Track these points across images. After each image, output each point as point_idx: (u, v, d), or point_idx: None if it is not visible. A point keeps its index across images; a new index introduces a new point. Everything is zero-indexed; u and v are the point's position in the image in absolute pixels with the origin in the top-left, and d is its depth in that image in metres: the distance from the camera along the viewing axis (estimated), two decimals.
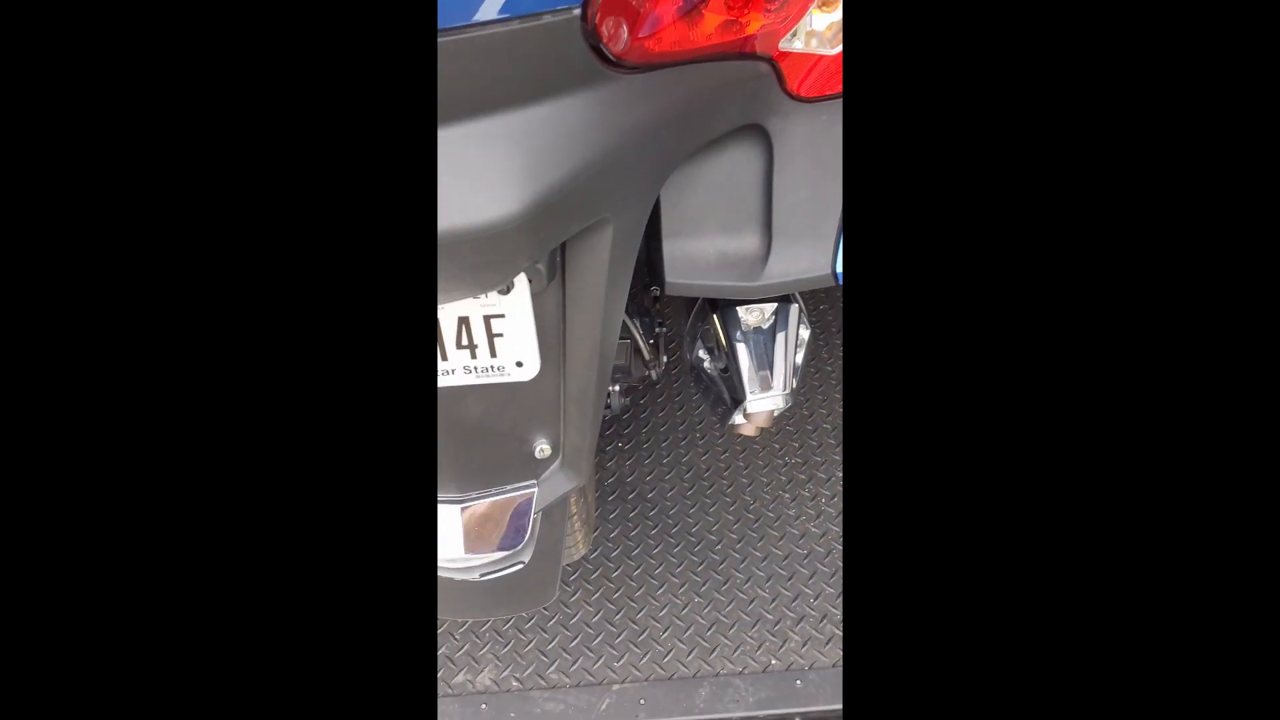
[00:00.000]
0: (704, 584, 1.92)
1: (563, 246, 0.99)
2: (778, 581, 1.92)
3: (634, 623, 1.85)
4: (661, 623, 1.85)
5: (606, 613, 1.87)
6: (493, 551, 1.22)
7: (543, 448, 1.18)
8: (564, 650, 1.81)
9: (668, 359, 2.00)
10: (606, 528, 2.03)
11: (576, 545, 1.76)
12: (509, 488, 1.22)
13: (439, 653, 1.81)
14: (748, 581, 1.92)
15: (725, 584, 1.92)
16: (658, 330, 1.79)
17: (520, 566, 1.31)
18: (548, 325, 1.04)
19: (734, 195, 1.20)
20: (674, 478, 2.13)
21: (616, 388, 1.87)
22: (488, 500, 1.21)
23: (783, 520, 2.03)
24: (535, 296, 1.01)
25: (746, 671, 1.77)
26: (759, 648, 1.81)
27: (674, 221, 1.20)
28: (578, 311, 1.04)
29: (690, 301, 1.69)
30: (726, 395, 1.54)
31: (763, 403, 1.41)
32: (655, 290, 1.90)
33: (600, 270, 1.00)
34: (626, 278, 1.09)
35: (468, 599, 1.37)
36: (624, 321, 1.74)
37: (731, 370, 1.45)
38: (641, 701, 1.73)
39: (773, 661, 1.78)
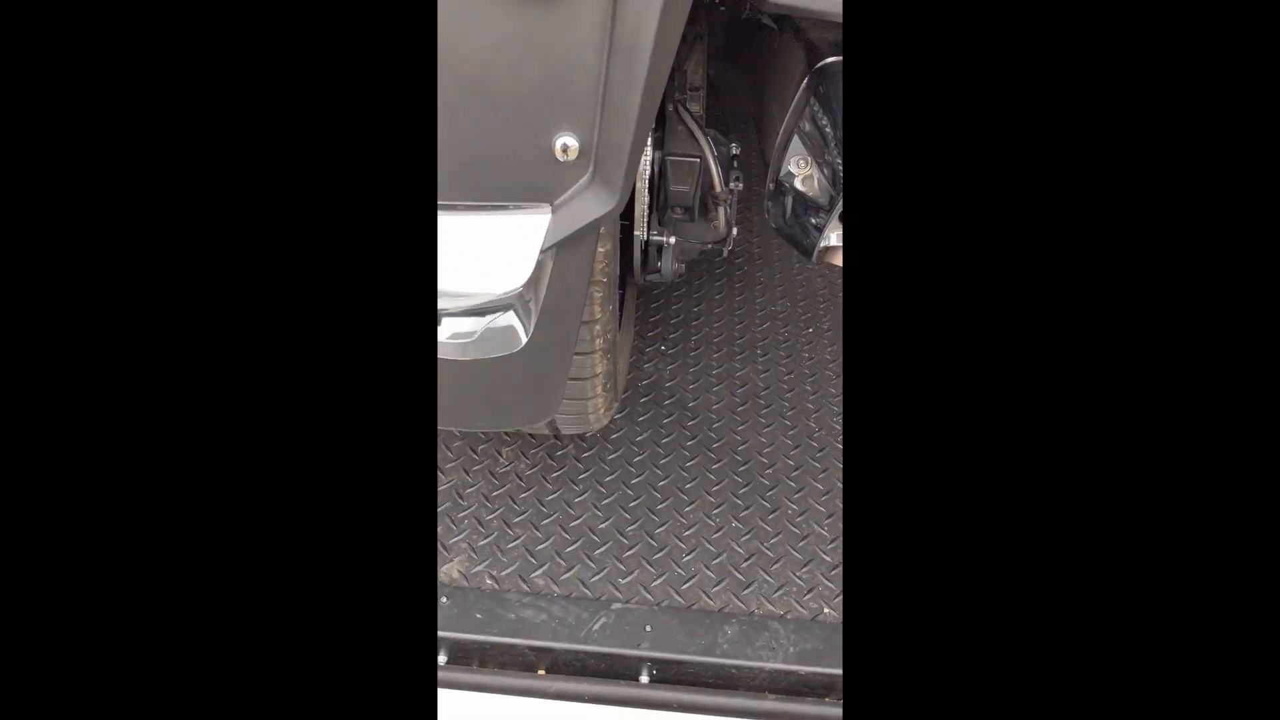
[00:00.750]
0: (746, 509, 1.50)
1: None
2: (842, 520, 1.50)
3: (651, 538, 1.45)
4: (686, 544, 1.44)
5: (619, 521, 1.47)
6: (481, 286, 0.86)
7: (566, 143, 0.82)
8: (558, 554, 1.42)
9: (738, 232, 1.63)
10: (633, 429, 1.64)
11: (599, 418, 1.38)
12: (513, 205, 0.86)
13: None
14: (803, 515, 1.50)
15: (773, 513, 1.50)
16: (734, 184, 1.44)
17: (518, 343, 0.94)
18: None
19: None
20: (723, 390, 1.74)
21: (672, 240, 1.51)
22: (483, 213, 0.85)
23: None
24: None
25: (789, 616, 1.34)
26: (808, 592, 1.38)
27: None
28: None
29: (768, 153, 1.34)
30: (816, 215, 1.16)
31: None
32: (735, 146, 1.55)
33: None
34: None
35: (446, 393, 1.00)
36: (694, 133, 1.40)
37: (828, 174, 1.08)
38: (647, 628, 1.31)
39: (825, 610, 1.36)
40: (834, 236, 1.13)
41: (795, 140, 1.19)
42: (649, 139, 1.29)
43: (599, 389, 1.22)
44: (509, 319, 0.89)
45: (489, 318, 0.89)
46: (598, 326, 1.08)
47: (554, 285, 0.91)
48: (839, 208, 1.07)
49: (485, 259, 0.86)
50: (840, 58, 1.11)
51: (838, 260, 1.15)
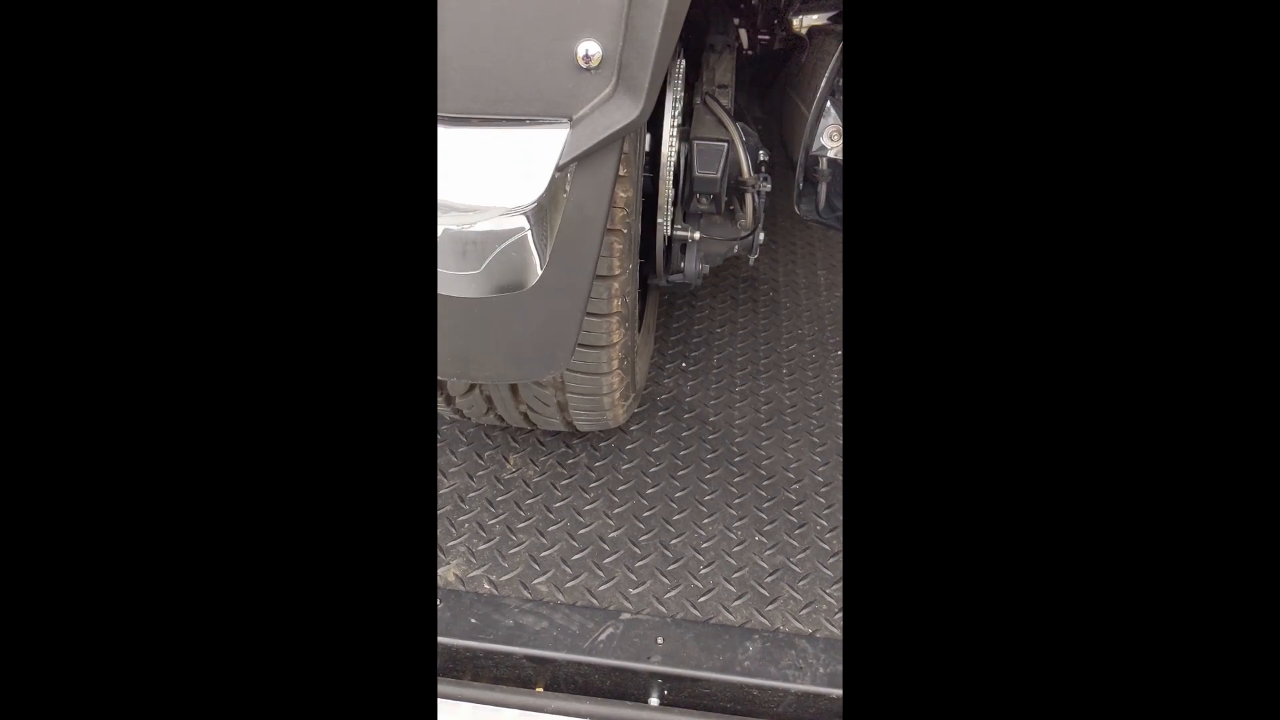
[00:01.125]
0: (771, 523, 1.38)
1: None
2: None
3: (666, 549, 1.33)
4: (704, 556, 1.32)
5: (632, 531, 1.36)
6: (492, 199, 0.79)
7: (589, 50, 0.77)
8: (564, 561, 1.30)
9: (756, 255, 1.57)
10: (650, 440, 1.54)
11: (614, 406, 1.28)
12: (529, 119, 0.80)
13: None
14: (833, 530, 1.38)
15: (801, 528, 1.38)
16: (763, 180, 1.39)
17: (530, 278, 0.86)
18: None
19: None
20: (746, 407, 1.64)
21: (696, 235, 1.45)
22: (497, 127, 0.79)
23: None
24: None
25: (819, 635, 1.21)
26: (840, 610, 1.25)
27: None
28: None
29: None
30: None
31: None
32: (764, 153, 1.51)
33: None
34: None
35: (450, 338, 0.92)
36: (722, 120, 1.35)
37: None
38: (659, 640, 1.18)
39: None
40: None
41: (829, 108, 1.14)
42: (676, 54, 1.24)
43: (615, 363, 1.13)
44: (521, 248, 0.82)
45: (499, 245, 0.82)
46: (615, 285, 1.01)
47: (570, 215, 0.84)
48: None
49: (498, 173, 0.79)
50: None
51: None
